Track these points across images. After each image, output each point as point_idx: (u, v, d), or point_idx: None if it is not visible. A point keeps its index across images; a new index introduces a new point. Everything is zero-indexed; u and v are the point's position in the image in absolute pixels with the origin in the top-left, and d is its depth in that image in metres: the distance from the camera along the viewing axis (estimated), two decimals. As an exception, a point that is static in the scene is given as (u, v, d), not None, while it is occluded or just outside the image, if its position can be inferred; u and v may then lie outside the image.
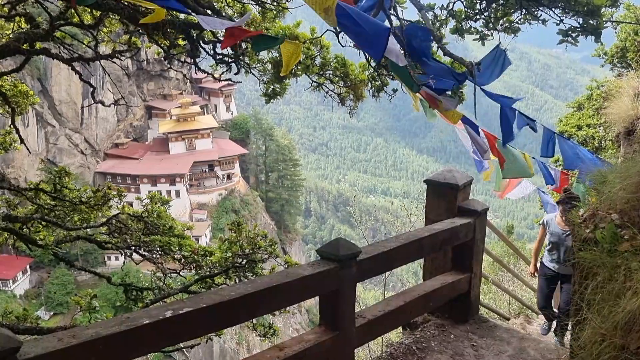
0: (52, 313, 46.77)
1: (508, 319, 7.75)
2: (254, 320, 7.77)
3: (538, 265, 6.76)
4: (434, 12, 7.28)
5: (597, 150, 15.20)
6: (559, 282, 6.53)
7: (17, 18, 7.39)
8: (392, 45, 4.20)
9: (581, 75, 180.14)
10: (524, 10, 6.68)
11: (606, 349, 2.65)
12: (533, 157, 7.49)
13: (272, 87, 8.08)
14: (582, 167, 7.03)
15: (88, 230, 8.39)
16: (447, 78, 5.45)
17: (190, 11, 4.53)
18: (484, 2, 6.91)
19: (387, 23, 5.80)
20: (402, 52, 4.28)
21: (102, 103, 9.31)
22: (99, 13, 6.77)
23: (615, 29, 14.03)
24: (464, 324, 5.59)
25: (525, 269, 11.21)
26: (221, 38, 7.17)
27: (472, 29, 7.23)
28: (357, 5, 6.33)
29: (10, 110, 7.97)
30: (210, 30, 7.02)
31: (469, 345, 5.24)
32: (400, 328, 5.94)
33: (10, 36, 7.08)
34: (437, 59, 6.10)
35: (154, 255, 8.32)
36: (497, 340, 5.40)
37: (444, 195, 5.49)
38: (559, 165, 12.67)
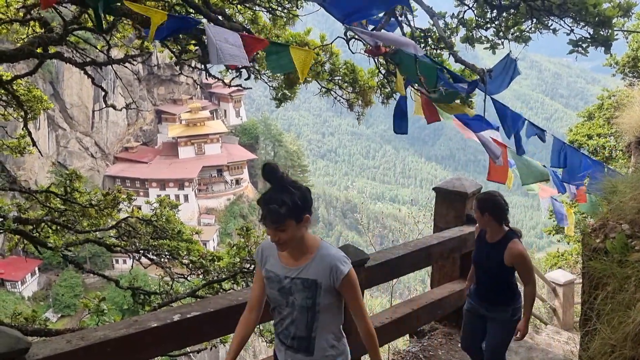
0: (59, 315, 46.98)
1: (516, 329, 7.69)
2: (261, 326, 7.76)
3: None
4: (444, 20, 7.28)
5: (608, 160, 15.12)
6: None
7: (32, 22, 7.49)
8: (406, 39, 4.22)
9: (592, 84, 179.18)
10: (534, 20, 6.67)
11: (616, 360, 2.63)
12: (544, 165, 7.44)
13: (282, 91, 8.12)
14: (591, 177, 6.95)
15: (97, 233, 8.43)
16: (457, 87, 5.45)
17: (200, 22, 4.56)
18: (495, 11, 6.91)
19: (398, 30, 5.83)
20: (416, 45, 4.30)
21: (114, 107, 9.40)
22: (112, 18, 6.84)
23: (627, 38, 13.97)
24: (471, 332, 5.56)
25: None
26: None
27: (483, 38, 7.23)
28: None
29: (23, 113, 8.05)
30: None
31: (476, 354, 5.20)
32: (408, 336, 5.92)
33: (25, 40, 7.17)
34: (448, 67, 6.11)
35: (162, 260, 8.34)
36: (504, 350, 5.36)
37: (452, 203, 5.48)
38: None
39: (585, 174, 6.94)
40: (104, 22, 7.18)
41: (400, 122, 5.65)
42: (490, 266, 4.14)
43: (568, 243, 17.82)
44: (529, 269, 4.06)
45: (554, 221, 17.94)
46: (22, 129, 8.55)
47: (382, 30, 4.98)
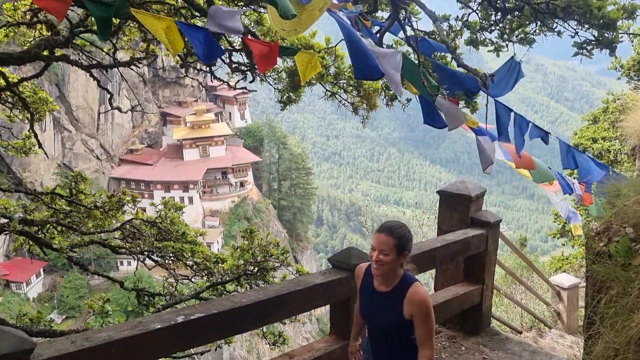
0: (64, 316, 47.12)
1: (520, 332, 7.68)
2: (264, 329, 7.76)
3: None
4: (448, 23, 7.29)
5: (613, 163, 15.06)
6: None
7: (39, 25, 7.54)
8: (394, 73, 4.24)
9: (597, 87, 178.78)
10: (539, 22, 6.66)
11: (619, 364, 2.62)
12: (549, 167, 7.43)
13: (287, 94, 8.12)
14: (594, 180, 6.94)
15: (102, 234, 8.47)
16: (461, 86, 5.45)
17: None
18: (499, 13, 6.91)
19: (401, 34, 5.84)
20: (400, 81, 4.33)
21: (119, 109, 9.44)
22: (118, 21, 6.88)
23: (632, 41, 13.94)
24: (475, 336, 5.56)
25: (538, 282, 11.10)
26: (237, 46, 7.25)
27: (487, 40, 7.23)
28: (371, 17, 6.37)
29: (29, 115, 8.10)
30: (227, 39, 7.10)
31: (480, 357, 5.21)
32: (411, 339, 5.91)
33: (32, 43, 7.21)
34: (452, 68, 6.11)
35: (167, 261, 8.36)
36: (508, 354, 5.36)
37: (456, 206, 5.47)
38: (575, 177, 12.54)
39: (598, 175, 6.94)
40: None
41: (433, 118, 5.54)
42: (385, 321, 3.05)
43: (573, 247, 17.77)
44: (431, 325, 2.98)
45: (559, 224, 17.89)
46: (28, 130, 8.61)
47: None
